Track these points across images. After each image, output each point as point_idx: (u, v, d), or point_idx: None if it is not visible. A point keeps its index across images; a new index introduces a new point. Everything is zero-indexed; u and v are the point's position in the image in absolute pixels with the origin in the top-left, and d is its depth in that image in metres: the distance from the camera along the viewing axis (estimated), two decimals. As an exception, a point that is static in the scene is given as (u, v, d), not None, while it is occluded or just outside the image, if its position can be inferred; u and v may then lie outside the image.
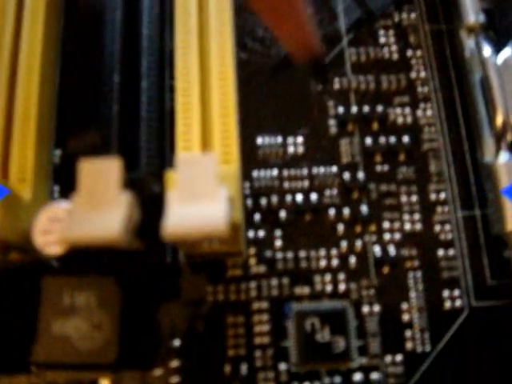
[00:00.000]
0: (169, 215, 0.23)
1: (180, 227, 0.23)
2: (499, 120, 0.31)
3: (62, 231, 0.23)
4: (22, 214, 0.27)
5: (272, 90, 0.34)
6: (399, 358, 0.30)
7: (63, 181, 0.32)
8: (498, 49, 0.32)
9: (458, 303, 0.30)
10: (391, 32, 0.35)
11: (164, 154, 0.31)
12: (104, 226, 0.23)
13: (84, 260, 0.29)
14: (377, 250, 0.31)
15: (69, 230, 0.23)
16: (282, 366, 0.29)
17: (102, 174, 0.24)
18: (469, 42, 0.33)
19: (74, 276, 0.28)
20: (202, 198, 0.24)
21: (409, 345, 0.30)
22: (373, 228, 0.31)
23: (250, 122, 0.33)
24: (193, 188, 0.24)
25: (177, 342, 0.30)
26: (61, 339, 0.27)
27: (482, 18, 0.33)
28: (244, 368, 0.29)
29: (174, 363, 0.29)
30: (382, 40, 0.35)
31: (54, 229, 0.27)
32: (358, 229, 0.31)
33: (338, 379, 0.29)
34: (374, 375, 0.29)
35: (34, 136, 0.29)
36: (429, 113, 0.33)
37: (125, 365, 0.28)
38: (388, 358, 0.30)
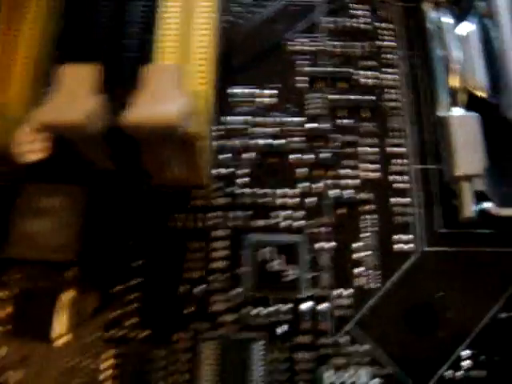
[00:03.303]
0: (132, 111, 0.26)
1: (138, 117, 0.25)
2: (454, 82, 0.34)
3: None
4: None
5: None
6: (349, 291, 0.31)
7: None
8: (459, 22, 0.35)
9: (410, 246, 0.32)
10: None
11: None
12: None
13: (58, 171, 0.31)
14: (335, 191, 0.33)
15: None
16: (236, 291, 0.31)
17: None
18: (432, 15, 0.36)
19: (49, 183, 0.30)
20: (163, 101, 0.26)
21: (359, 280, 0.31)
22: (332, 173, 0.33)
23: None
24: (157, 92, 0.27)
25: (139, 262, 0.32)
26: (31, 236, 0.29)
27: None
28: (200, 289, 0.31)
29: (134, 281, 0.31)
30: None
31: (32, 139, 0.30)
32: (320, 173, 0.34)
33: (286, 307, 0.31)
34: (323, 305, 0.31)
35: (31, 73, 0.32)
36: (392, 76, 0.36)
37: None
38: (337, 291, 0.31)
